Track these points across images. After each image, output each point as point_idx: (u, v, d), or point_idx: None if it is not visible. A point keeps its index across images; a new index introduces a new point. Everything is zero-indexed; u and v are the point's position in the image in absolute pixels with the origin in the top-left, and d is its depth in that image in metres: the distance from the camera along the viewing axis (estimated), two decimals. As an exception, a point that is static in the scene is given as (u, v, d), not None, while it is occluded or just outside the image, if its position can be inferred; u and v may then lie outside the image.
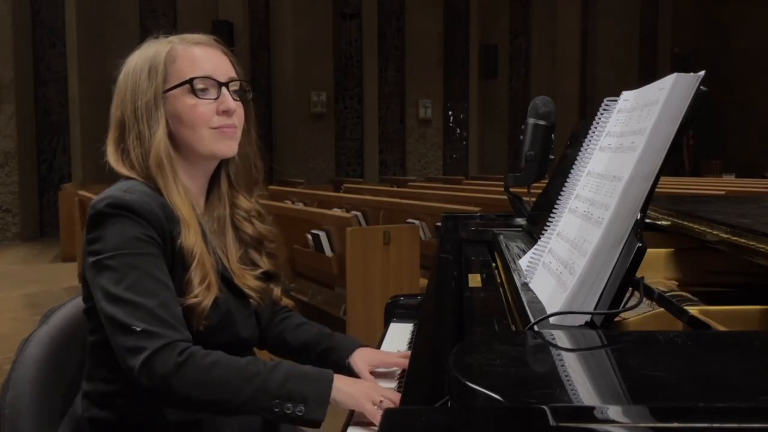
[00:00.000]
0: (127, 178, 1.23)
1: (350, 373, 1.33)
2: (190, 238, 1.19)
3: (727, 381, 0.60)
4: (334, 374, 1.16)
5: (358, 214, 5.10)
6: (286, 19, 11.01)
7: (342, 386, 1.14)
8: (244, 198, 1.35)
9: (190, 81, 1.22)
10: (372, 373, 1.34)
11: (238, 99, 1.28)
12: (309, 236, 4.44)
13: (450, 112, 13.01)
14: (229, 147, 1.27)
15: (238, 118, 1.28)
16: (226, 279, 1.26)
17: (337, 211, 5.00)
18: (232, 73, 1.28)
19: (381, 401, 1.14)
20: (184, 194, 1.23)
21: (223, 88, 1.25)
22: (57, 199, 8.64)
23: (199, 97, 1.23)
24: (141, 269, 1.13)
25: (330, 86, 11.54)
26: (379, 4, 11.91)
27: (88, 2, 9.42)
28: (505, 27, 13.71)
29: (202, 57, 1.26)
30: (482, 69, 13.03)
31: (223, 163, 1.32)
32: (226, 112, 1.24)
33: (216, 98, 1.24)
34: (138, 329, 1.09)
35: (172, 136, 1.24)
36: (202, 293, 1.18)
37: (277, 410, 1.10)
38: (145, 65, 1.24)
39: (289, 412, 1.09)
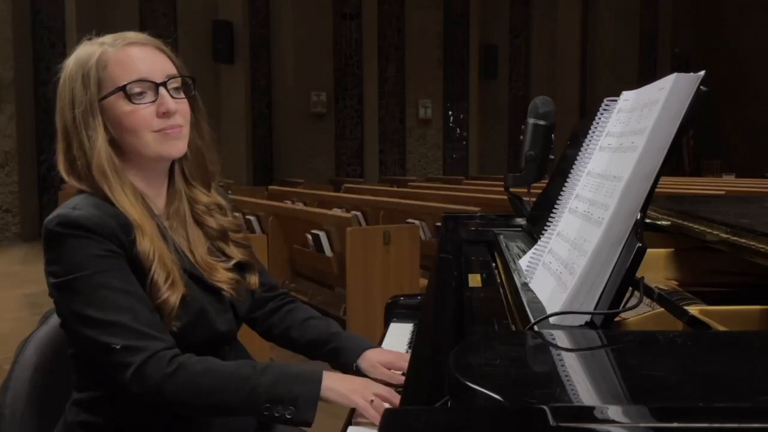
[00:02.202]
0: (79, 191, 1.21)
1: (358, 375, 1.33)
2: (145, 242, 1.16)
3: (727, 381, 0.60)
4: (323, 373, 1.16)
5: (358, 214, 5.11)
6: (286, 19, 11.01)
7: (332, 384, 1.15)
8: (201, 193, 1.32)
9: (123, 87, 1.17)
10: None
11: (180, 96, 1.23)
12: (309, 236, 4.44)
13: (450, 112, 13.01)
14: (175, 147, 1.22)
15: (183, 115, 1.22)
16: (194, 276, 1.24)
17: (337, 211, 5.00)
18: (171, 70, 1.22)
19: (372, 400, 1.15)
20: (134, 198, 1.19)
21: (161, 89, 1.20)
22: (57, 199, 8.63)
23: (135, 102, 1.18)
24: (106, 287, 1.12)
25: (330, 86, 11.54)
26: (379, 4, 11.91)
27: (88, 2, 9.42)
28: (505, 27, 13.71)
29: (136, 58, 1.19)
30: (482, 69, 13.03)
31: (176, 160, 1.28)
32: (166, 114, 1.19)
33: (154, 100, 1.19)
34: (118, 347, 1.10)
35: (116, 143, 1.20)
36: (168, 291, 1.16)
37: (267, 413, 1.11)
38: (78, 73, 1.19)
39: (278, 414, 1.11)
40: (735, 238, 1.03)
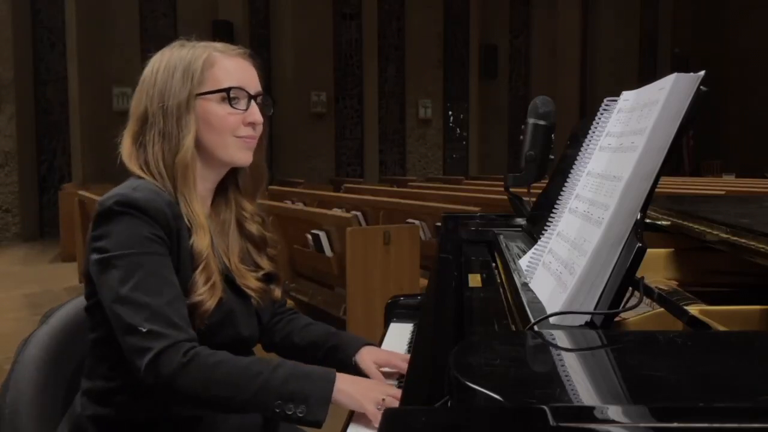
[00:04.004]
0: (137, 177, 1.24)
1: (356, 371, 1.34)
2: (204, 242, 1.21)
3: (727, 381, 0.60)
4: (337, 374, 1.15)
5: (358, 214, 5.10)
6: (286, 19, 11.01)
7: (344, 387, 1.14)
8: (248, 202, 1.39)
9: (228, 90, 1.25)
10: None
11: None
12: (309, 236, 4.44)
13: (450, 112, 13.02)
14: (248, 157, 1.30)
15: (260, 130, 1.31)
16: (229, 280, 1.28)
17: (337, 211, 5.00)
18: (259, 88, 1.32)
19: (383, 399, 1.14)
20: (198, 197, 1.25)
21: (252, 101, 1.29)
22: (57, 199, 8.63)
23: (232, 106, 1.26)
24: (147, 269, 1.14)
25: (330, 86, 11.54)
26: (379, 4, 11.91)
27: (88, 2, 9.41)
28: (505, 27, 13.71)
29: (239, 68, 1.29)
30: (482, 69, 13.04)
31: (234, 170, 1.35)
32: (252, 124, 1.28)
33: (245, 109, 1.27)
34: (144, 330, 1.11)
35: (196, 141, 1.26)
36: (207, 294, 1.20)
37: (278, 410, 1.10)
38: (179, 66, 1.25)
39: (290, 412, 1.10)
40: (735, 238, 1.03)
